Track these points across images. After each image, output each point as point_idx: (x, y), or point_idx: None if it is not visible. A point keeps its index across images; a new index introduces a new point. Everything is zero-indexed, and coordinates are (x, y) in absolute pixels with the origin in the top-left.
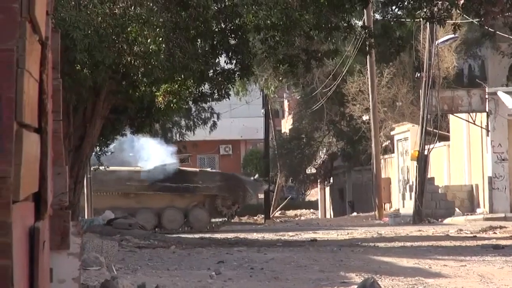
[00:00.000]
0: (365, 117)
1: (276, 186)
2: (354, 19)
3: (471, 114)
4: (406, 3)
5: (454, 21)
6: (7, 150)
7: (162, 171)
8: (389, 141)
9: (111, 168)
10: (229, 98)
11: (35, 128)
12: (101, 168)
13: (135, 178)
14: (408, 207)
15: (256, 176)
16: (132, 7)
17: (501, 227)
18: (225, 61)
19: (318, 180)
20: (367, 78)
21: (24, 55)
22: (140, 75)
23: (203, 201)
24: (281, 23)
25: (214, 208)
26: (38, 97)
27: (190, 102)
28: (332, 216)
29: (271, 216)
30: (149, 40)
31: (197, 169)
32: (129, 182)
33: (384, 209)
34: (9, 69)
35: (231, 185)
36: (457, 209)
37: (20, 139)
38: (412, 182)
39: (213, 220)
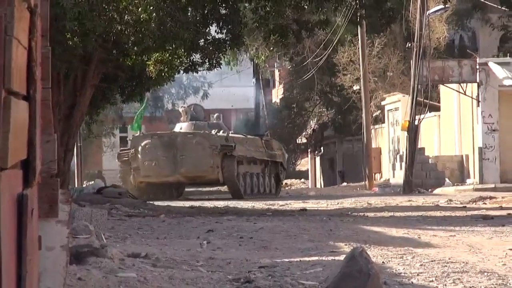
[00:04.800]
0: (355, 87)
1: None
2: None
3: (461, 84)
4: None
5: None
6: None
7: (268, 139)
8: (380, 111)
9: (248, 135)
10: (220, 68)
11: (23, 96)
12: (221, 133)
13: (259, 145)
14: (398, 177)
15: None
16: None
17: (490, 198)
18: (215, 31)
19: (309, 150)
20: (358, 48)
21: (13, 22)
22: (130, 44)
23: (270, 167)
24: None
25: (277, 174)
26: (27, 64)
27: (181, 72)
28: (322, 186)
29: None
30: (139, 9)
31: (270, 138)
32: (261, 149)
33: (374, 179)
34: None
35: (283, 152)
36: (447, 180)
37: (8, 107)
38: (403, 152)
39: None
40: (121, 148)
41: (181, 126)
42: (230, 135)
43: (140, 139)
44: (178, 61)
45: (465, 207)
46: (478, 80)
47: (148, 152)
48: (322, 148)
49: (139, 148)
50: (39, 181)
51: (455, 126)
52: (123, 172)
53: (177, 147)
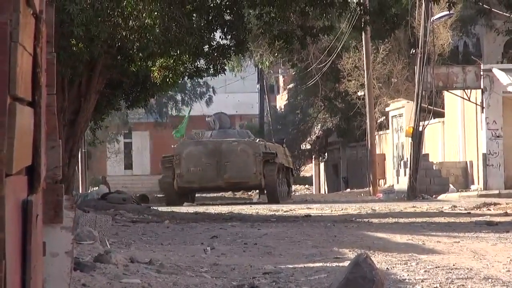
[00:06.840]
0: (360, 93)
1: None
2: None
3: (466, 90)
4: None
5: None
6: (0, 123)
7: (285, 146)
8: (384, 117)
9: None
10: (224, 74)
11: (28, 102)
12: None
13: (283, 152)
14: (402, 183)
15: None
16: None
17: (495, 204)
18: (220, 37)
19: (313, 156)
20: (363, 54)
21: (18, 28)
22: (135, 50)
23: (283, 172)
24: None
25: (288, 179)
26: (32, 70)
27: (186, 77)
28: (326, 192)
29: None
30: (144, 15)
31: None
32: (284, 156)
33: (379, 185)
34: (3, 42)
35: (290, 158)
36: (451, 186)
37: (13, 113)
38: (407, 158)
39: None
40: (164, 155)
41: (211, 134)
42: (266, 143)
43: (184, 146)
44: (183, 67)
45: (469, 213)
46: (482, 87)
47: (192, 158)
48: (326, 154)
49: (183, 155)
50: (44, 187)
51: (459, 132)
52: (164, 178)
53: (221, 154)
